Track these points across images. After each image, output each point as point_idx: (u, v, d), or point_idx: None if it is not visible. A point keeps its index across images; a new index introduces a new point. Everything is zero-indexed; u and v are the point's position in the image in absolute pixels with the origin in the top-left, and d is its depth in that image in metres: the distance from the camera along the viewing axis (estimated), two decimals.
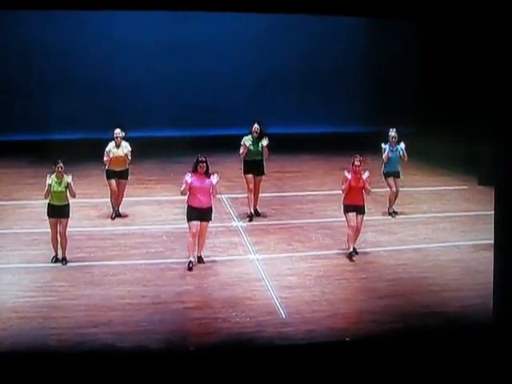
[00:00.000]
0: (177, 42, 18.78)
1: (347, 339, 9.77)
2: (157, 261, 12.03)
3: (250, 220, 13.61)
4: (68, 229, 11.97)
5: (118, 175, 13.58)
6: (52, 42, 18.16)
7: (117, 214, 13.67)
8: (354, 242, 12.32)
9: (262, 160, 13.70)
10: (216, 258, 12.15)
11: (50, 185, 11.72)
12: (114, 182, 13.58)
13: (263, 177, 13.89)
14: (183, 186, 11.81)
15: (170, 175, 15.99)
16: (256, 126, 13.50)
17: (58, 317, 10.24)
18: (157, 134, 18.02)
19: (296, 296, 10.93)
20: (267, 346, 9.65)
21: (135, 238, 12.88)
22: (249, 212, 13.72)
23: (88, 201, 13.35)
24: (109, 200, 13.75)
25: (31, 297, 10.77)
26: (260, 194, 14.04)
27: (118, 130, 13.43)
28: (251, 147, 13.56)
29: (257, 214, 13.86)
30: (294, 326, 10.13)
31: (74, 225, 12.44)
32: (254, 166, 13.66)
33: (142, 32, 18.46)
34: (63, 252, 11.91)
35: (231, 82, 18.93)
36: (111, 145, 13.46)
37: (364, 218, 12.34)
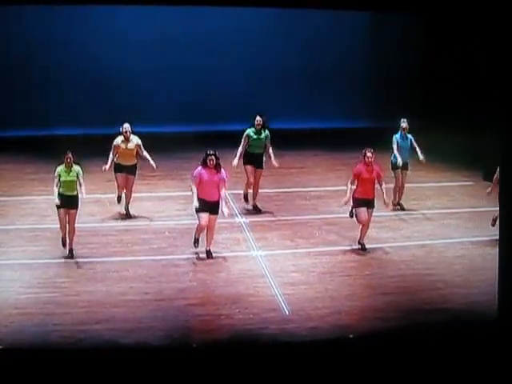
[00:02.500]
0: (180, 37, 18.69)
1: (351, 336, 9.73)
2: (159, 257, 11.99)
3: (247, 201, 13.75)
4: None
5: (126, 170, 13.47)
6: (53, 37, 18.10)
7: (127, 213, 13.56)
8: (363, 237, 12.28)
9: (262, 154, 13.72)
10: (219, 255, 12.11)
11: (58, 175, 11.72)
12: (121, 176, 13.48)
13: (262, 171, 13.85)
14: (193, 184, 11.83)
15: (172, 171, 15.96)
16: (258, 118, 13.53)
17: (60, 313, 10.22)
18: (159, 129, 17.93)
19: (299, 292, 10.89)
20: (270, 343, 9.61)
21: (138, 234, 12.84)
22: (244, 192, 13.81)
23: (90, 196, 13.24)
24: (113, 196, 13.66)
25: (33, 293, 10.74)
26: (263, 190, 13.99)
27: (126, 125, 13.31)
28: (254, 139, 13.58)
29: (257, 209, 13.83)
30: (298, 322, 10.09)
31: (77, 221, 12.38)
32: (255, 159, 13.69)
33: (144, 27, 18.40)
34: (70, 244, 11.91)
35: (234, 78, 18.87)
36: (119, 138, 13.36)
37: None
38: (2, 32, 18.01)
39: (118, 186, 13.56)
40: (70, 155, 11.81)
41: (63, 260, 11.81)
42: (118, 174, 13.49)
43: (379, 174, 12.22)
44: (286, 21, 18.74)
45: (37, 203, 13.76)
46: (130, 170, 13.47)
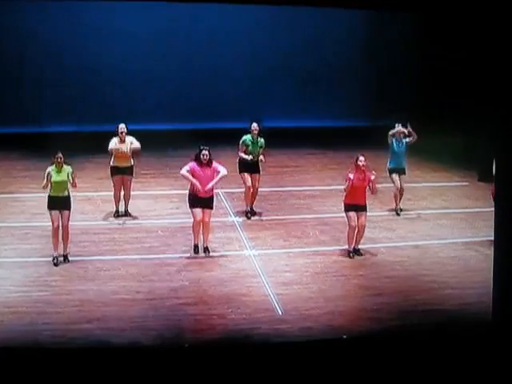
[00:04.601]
0: (174, 33, 18.65)
1: (344, 336, 9.67)
2: (151, 256, 11.92)
3: (248, 218, 13.54)
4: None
5: (123, 172, 13.37)
6: (46, 32, 18.01)
7: (126, 213, 13.46)
8: (358, 242, 12.16)
9: (257, 161, 13.65)
10: (212, 254, 12.04)
11: (48, 175, 11.55)
12: (118, 178, 13.38)
13: (260, 176, 13.77)
14: (184, 170, 11.82)
15: (165, 169, 15.89)
16: (255, 124, 13.46)
17: (51, 312, 10.14)
18: (152, 127, 17.85)
19: (293, 293, 10.83)
20: (263, 343, 9.56)
21: (130, 233, 12.77)
22: (246, 209, 13.64)
23: (82, 194, 13.21)
24: (105, 194, 13.60)
25: (24, 292, 10.65)
26: (258, 189, 13.92)
27: (122, 125, 13.19)
28: (250, 148, 13.50)
29: (252, 213, 13.72)
30: (291, 322, 10.03)
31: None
32: (250, 166, 13.61)
33: (138, 24, 18.33)
34: (65, 248, 11.67)
35: (229, 75, 18.81)
36: (115, 140, 13.23)
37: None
38: None
39: (115, 192, 13.41)
40: (60, 155, 11.63)
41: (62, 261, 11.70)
42: (115, 176, 13.39)
43: (373, 183, 12.06)
44: (283, 20, 18.73)
45: (28, 201, 13.68)
46: (127, 172, 13.38)
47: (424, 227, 13.33)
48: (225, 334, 9.78)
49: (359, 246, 12.17)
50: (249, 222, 13.35)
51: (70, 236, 11.68)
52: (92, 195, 14.12)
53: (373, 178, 12.02)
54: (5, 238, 12.36)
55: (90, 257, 11.82)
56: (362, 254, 12.10)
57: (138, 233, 12.78)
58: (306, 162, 17.03)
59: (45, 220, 11.98)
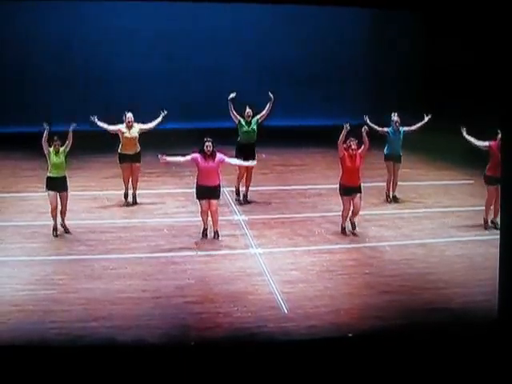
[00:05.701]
0: (178, 32, 18.68)
1: (350, 335, 9.67)
2: (157, 254, 11.94)
3: (238, 195, 14.01)
4: (67, 222, 12.07)
5: (131, 159, 13.52)
6: (50, 32, 18.06)
7: (134, 198, 13.62)
8: (353, 218, 12.48)
9: (254, 144, 13.91)
10: (217, 252, 12.07)
11: (49, 152, 12.19)
12: (126, 166, 13.53)
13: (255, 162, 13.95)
14: (185, 158, 12.24)
15: (171, 168, 15.90)
16: (249, 110, 13.85)
17: (57, 310, 10.15)
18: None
19: (298, 291, 10.82)
20: (268, 342, 9.55)
21: (136, 232, 12.79)
22: (236, 186, 14.02)
23: (88, 193, 13.25)
24: (111, 193, 13.65)
25: (31, 290, 10.68)
26: (263, 188, 13.96)
27: (130, 115, 13.45)
28: (244, 131, 13.82)
29: (246, 201, 13.86)
30: (296, 321, 10.02)
31: (74, 218, 12.39)
32: (246, 150, 13.81)
33: (142, 23, 18.37)
34: (62, 220, 12.19)
35: (233, 74, 18.81)
36: (122, 125, 13.40)
37: (368, 212, 12.30)
38: None
39: (124, 177, 13.58)
40: (58, 142, 12.20)
41: (61, 257, 11.76)
42: (123, 164, 13.54)
43: (362, 157, 12.38)
44: (287, 18, 18.72)
45: (34, 200, 13.71)
46: (135, 158, 13.57)
47: (429, 225, 13.31)
48: (230, 332, 9.78)
49: (355, 221, 12.58)
50: (254, 220, 13.35)
51: (67, 210, 12.27)
52: (98, 194, 14.15)
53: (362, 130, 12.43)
54: (12, 237, 12.40)
55: (96, 255, 11.84)
56: (355, 228, 12.51)
57: (144, 231, 12.81)
58: (311, 160, 17.04)
59: (51, 219, 12.02)
